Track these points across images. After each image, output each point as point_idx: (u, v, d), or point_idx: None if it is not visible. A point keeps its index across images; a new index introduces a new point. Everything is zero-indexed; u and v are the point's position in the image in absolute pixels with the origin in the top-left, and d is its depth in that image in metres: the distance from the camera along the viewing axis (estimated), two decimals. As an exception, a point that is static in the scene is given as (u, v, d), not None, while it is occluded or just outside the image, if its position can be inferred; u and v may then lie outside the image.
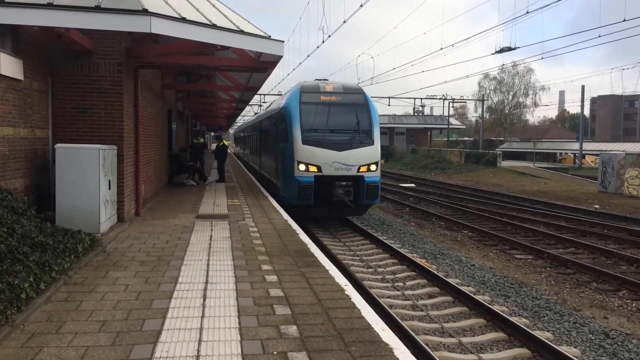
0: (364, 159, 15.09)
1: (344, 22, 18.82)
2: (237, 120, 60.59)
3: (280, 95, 19.44)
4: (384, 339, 4.81)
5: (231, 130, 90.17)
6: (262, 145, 22.44)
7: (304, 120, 14.97)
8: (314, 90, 15.75)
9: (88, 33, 9.74)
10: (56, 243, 7.13)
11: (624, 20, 20.25)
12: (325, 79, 17.07)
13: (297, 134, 14.81)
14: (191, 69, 17.16)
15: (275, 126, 16.83)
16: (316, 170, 14.70)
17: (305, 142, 14.75)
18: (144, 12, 7.83)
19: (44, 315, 5.30)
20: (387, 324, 5.52)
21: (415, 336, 7.53)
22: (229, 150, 31.95)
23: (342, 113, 15.41)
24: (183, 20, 8.26)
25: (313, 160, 14.70)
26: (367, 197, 15.05)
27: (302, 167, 14.67)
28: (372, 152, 15.29)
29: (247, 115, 60.40)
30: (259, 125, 24.16)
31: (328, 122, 15.25)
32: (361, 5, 16.42)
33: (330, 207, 15.38)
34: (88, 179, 9.13)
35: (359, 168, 14.97)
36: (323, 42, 21.78)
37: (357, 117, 15.36)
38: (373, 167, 15.23)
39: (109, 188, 9.83)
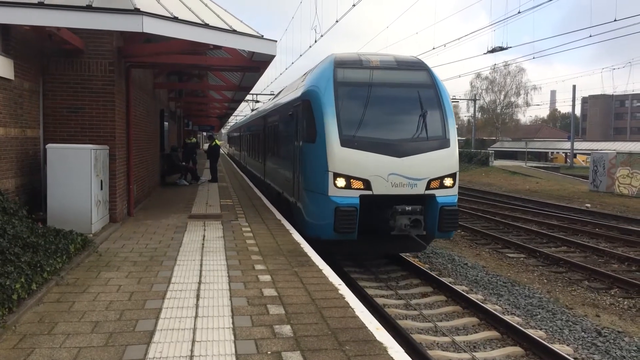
0: (436, 169, 10.13)
1: (337, 21, 18.81)
2: (230, 119, 60.41)
3: (303, 77, 13.24)
4: (378, 338, 4.81)
5: (223, 130, 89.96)
6: (269, 147, 17.01)
7: (343, 110, 10.08)
8: (355, 64, 10.78)
9: (79, 32, 9.69)
10: (48, 243, 7.08)
11: (615, 20, 20.39)
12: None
13: (331, 131, 9.88)
14: (183, 69, 17.11)
15: (293, 120, 12.01)
16: (363, 187, 9.77)
17: (345, 143, 9.80)
18: (136, 11, 7.78)
19: (36, 316, 5.26)
20: (381, 323, 5.52)
21: (410, 335, 7.55)
22: (221, 151, 31.47)
23: (399, 99, 10.57)
24: (175, 19, 8.22)
25: (358, 171, 9.76)
26: (440, 227, 10.11)
27: (340, 181, 9.75)
28: (447, 158, 10.26)
29: (240, 115, 60.11)
30: (262, 120, 18.89)
31: (379, 112, 10.34)
32: (353, 5, 16.41)
33: (383, 243, 10.64)
34: (80, 179, 9.08)
35: (428, 183, 10.04)
36: (315, 41, 21.76)
37: (422, 105, 10.50)
38: (449, 182, 10.24)
39: (101, 188, 9.77)
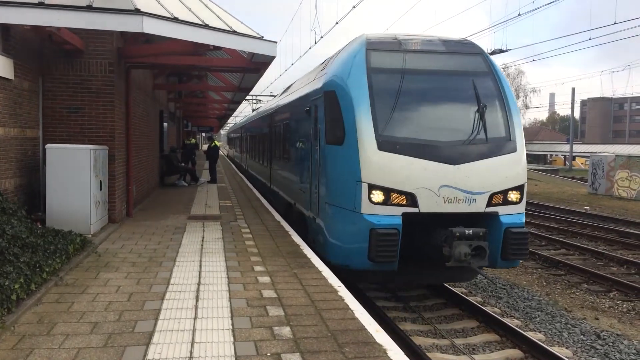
0: (500, 180, 8.12)
1: (337, 23, 18.82)
2: (229, 120, 60.40)
3: (322, 68, 10.77)
4: (378, 340, 4.80)
5: (222, 131, 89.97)
6: (276, 149, 14.93)
7: (379, 104, 8.15)
8: (392, 46, 8.80)
9: (79, 32, 9.68)
10: (47, 244, 7.07)
11: (615, 23, 20.41)
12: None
13: (365, 131, 7.93)
14: (183, 69, 17.10)
15: (310, 117, 9.91)
16: (406, 203, 7.82)
17: (383, 145, 7.86)
18: (136, 11, 7.78)
19: (35, 316, 5.25)
20: (380, 325, 5.51)
21: (409, 337, 7.54)
22: (220, 152, 31.29)
23: (450, 90, 8.59)
24: (175, 20, 8.21)
25: (400, 182, 7.80)
26: (505, 254, 8.06)
27: (377, 195, 7.78)
28: (513, 166, 8.26)
29: (239, 116, 60.08)
30: (268, 119, 16.71)
31: (425, 106, 8.41)
32: (354, 6, 16.42)
33: (428, 273, 8.80)
34: (79, 179, 9.06)
35: (490, 197, 8.05)
36: (315, 42, 21.77)
37: (479, 98, 8.42)
38: (515, 196, 8.22)
39: (100, 189, 9.76)
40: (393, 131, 8.04)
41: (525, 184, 8.38)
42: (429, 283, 10.08)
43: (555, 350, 7.45)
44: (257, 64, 11.99)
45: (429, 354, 7.13)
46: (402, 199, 7.82)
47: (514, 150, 8.31)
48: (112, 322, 5.11)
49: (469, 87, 8.55)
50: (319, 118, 9.20)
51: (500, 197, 8.13)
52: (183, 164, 21.26)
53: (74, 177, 9.03)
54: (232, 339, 4.75)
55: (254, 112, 27.81)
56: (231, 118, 57.02)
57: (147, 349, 4.50)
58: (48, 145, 9.19)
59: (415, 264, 8.33)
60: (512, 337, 7.90)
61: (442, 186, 7.84)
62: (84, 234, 8.68)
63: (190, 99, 27.32)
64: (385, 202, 7.79)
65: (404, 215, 7.79)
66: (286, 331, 4.97)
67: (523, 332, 7.89)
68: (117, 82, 10.59)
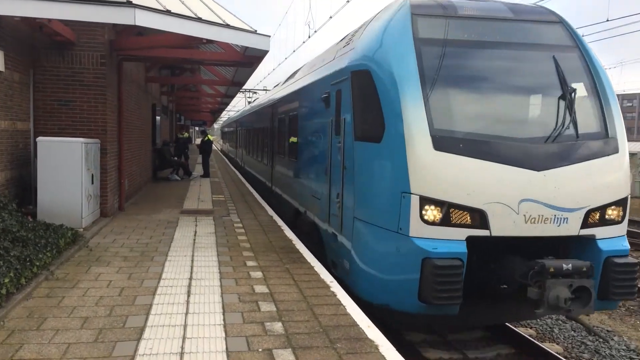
0: (598, 192, 6.16)
1: (330, 17, 18.74)
2: (222, 114, 60.17)
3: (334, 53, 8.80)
4: (369, 336, 4.80)
5: (216, 125, 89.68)
6: (281, 145, 12.82)
7: (433, 87, 6.15)
8: (444, 12, 6.75)
9: (71, 24, 9.58)
10: (37, 238, 7.01)
11: (607, 20, 20.46)
12: None
13: (414, 123, 5.96)
14: (176, 63, 16.99)
15: (329, 106, 8.06)
16: (472, 223, 5.89)
17: (440, 143, 5.91)
18: (128, 3, 7.70)
19: (25, 311, 5.21)
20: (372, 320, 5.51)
21: (400, 333, 7.55)
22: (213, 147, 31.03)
23: (526, 69, 6.56)
24: (168, 12, 8.15)
25: (465, 195, 5.86)
26: (605, 291, 6.13)
27: (431, 212, 5.87)
28: (614, 172, 6.28)
29: (232, 110, 59.83)
30: (270, 110, 14.59)
31: (495, 91, 6.41)
32: (347, 1, 16.34)
33: (494, 313, 6.79)
34: (70, 172, 9.00)
35: (586, 216, 6.09)
36: (309, 37, 21.68)
37: (564, 79, 6.43)
38: (615, 212, 6.26)
39: (92, 182, 9.69)
40: (453, 124, 5.97)
41: (629, 197, 6.32)
42: (491, 324, 7.83)
43: (546, 346, 7.50)
44: (251, 58, 11.93)
45: (420, 349, 7.15)
46: (467, 218, 5.76)
47: (616, 150, 6.20)
48: (103, 317, 5.08)
49: (550, 64, 6.47)
50: (344, 106, 7.23)
51: (597, 215, 6.07)
52: (176, 158, 21.17)
53: (66, 171, 8.96)
54: (223, 335, 4.73)
55: (253, 103, 24.70)
56: (224, 112, 56.84)
57: (138, 344, 4.47)
58: (39, 139, 9.11)
59: (474, 300, 6.08)
60: (503, 333, 7.93)
61: (523, 200, 5.78)
62: (76, 227, 8.62)
63: (183, 93, 27.18)
64: (444, 221, 5.74)
65: (469, 239, 5.76)
66: (278, 327, 4.96)
67: (514, 328, 7.93)
68: (109, 75, 10.50)
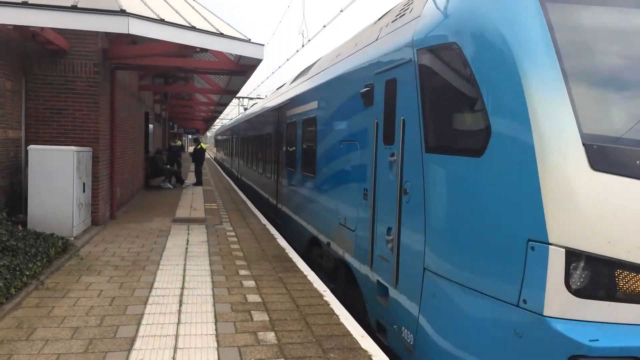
0: None
1: (324, 26, 18.81)
2: (216, 122, 60.13)
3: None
4: (363, 346, 4.77)
5: (209, 133, 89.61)
6: (290, 157, 10.80)
7: (576, 71, 3.69)
8: None
9: (63, 33, 9.57)
10: (27, 247, 6.95)
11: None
12: None
13: (549, 127, 3.55)
14: (169, 71, 16.98)
15: (370, 104, 6.07)
16: None
17: (601, 160, 3.45)
18: (122, 12, 7.70)
19: (14, 321, 5.15)
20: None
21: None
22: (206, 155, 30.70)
23: None
24: (162, 21, 8.15)
25: None
26: None
27: (586, 275, 3.45)
28: None
29: (225, 118, 59.77)
30: (278, 114, 12.44)
31: None
32: (341, 10, 16.41)
33: None
34: (62, 181, 8.94)
35: None
36: (303, 46, 21.74)
37: None
38: None
39: (84, 191, 9.64)
40: (618, 128, 3.63)
41: None
42: None
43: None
44: (244, 67, 11.95)
45: None
46: None
47: None
48: (94, 327, 5.03)
49: None
50: (401, 103, 5.19)
51: None
52: (168, 166, 21.11)
53: (57, 179, 8.91)
54: (215, 345, 4.69)
55: (252, 108, 21.48)
56: (218, 120, 56.81)
57: (129, 354, 4.42)
58: (30, 147, 9.05)
59: None
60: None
61: None
62: (66, 236, 8.56)
63: (177, 101, 27.17)
64: (609, 292, 3.49)
65: None
66: (271, 336, 4.93)
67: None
68: (102, 83, 10.48)
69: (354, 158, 6.56)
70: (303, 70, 11.69)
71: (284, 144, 11.54)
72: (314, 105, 8.84)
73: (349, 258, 6.78)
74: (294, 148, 10.48)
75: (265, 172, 14.64)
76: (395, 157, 5.22)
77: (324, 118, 8.17)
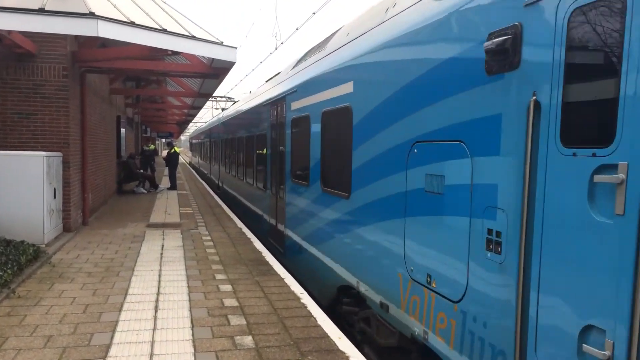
0: None
1: (297, 29, 18.83)
2: (189, 126, 59.56)
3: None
4: (341, 347, 4.79)
5: (183, 137, 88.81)
6: (305, 166, 7.75)
7: None
8: None
9: (31, 36, 9.38)
10: (-3, 255, 6.79)
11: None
12: None
13: None
14: (141, 74, 16.77)
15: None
16: None
17: None
18: (91, 15, 7.59)
19: (-16, 332, 5.02)
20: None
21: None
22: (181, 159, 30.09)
23: None
24: (132, 24, 8.05)
25: None
26: None
27: None
28: None
29: (199, 122, 59.19)
30: (275, 108, 9.87)
31: None
32: (313, 13, 16.45)
33: None
34: (31, 187, 8.76)
35: None
36: (276, 48, 21.72)
37: None
38: None
39: (54, 197, 9.45)
40: None
41: None
42: None
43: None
44: (217, 70, 11.88)
45: None
46: None
47: None
48: (67, 336, 4.94)
49: None
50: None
51: None
52: (142, 171, 20.85)
53: (26, 185, 8.72)
54: (192, 350, 4.65)
55: (236, 106, 18.19)
56: (191, 124, 56.31)
57: (104, 362, 4.36)
58: (-2, 152, 8.85)
59: None
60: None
61: None
62: (37, 243, 8.39)
63: (149, 104, 26.85)
64: None
65: None
66: (248, 340, 4.91)
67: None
68: (72, 87, 10.30)
69: (455, 173, 3.81)
70: (316, 46, 8.71)
71: (288, 146, 8.73)
72: (347, 88, 5.95)
73: (439, 345, 4.04)
74: (304, 153, 7.71)
75: (256, 183, 11.88)
76: (620, 177, 2.50)
77: (373, 104, 5.23)
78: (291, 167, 8.51)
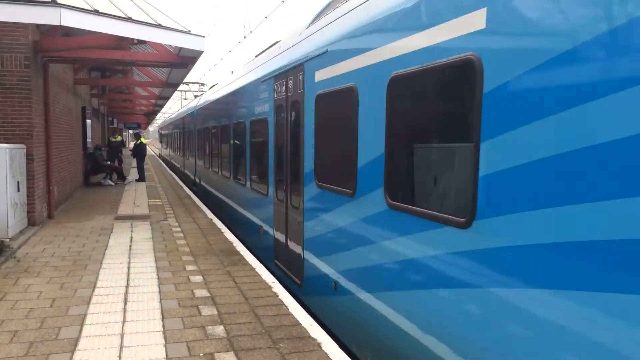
0: None
1: (266, 17, 18.70)
2: (157, 116, 58.69)
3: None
4: (312, 334, 4.82)
5: (151, 128, 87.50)
6: (329, 161, 5.46)
7: None
8: None
9: (-10, 24, 9.10)
10: (-41, 250, 6.62)
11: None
12: None
13: None
14: (106, 64, 16.44)
15: None
16: None
17: None
18: (53, 3, 7.40)
19: (-54, 328, 4.90)
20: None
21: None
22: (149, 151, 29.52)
23: None
24: (96, 12, 7.88)
25: None
26: None
27: None
28: None
29: (167, 112, 58.39)
30: (276, 81, 7.42)
31: None
32: (282, 1, 16.35)
33: None
34: (-6, 180, 8.54)
35: None
36: (245, 37, 21.54)
37: None
38: None
39: (18, 190, 9.23)
40: None
41: None
42: None
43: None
44: (185, 59, 11.73)
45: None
46: None
47: None
48: (34, 330, 4.85)
49: None
50: None
51: None
52: (109, 162, 20.50)
53: (-12, 179, 8.49)
54: (163, 341, 4.63)
55: (217, 88, 14.87)
56: (159, 114, 55.50)
57: (73, 355, 4.30)
58: (-42, 145, 8.59)
59: None
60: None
61: None
62: (1, 238, 8.20)
63: (115, 95, 26.35)
64: None
65: None
66: (219, 330, 4.90)
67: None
68: (34, 78, 10.03)
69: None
70: (323, 11, 6.84)
71: (308, 135, 6.14)
72: (471, 22, 3.11)
73: None
74: (342, 145, 5.14)
75: (251, 182, 9.18)
76: None
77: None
78: (315, 165, 5.88)
